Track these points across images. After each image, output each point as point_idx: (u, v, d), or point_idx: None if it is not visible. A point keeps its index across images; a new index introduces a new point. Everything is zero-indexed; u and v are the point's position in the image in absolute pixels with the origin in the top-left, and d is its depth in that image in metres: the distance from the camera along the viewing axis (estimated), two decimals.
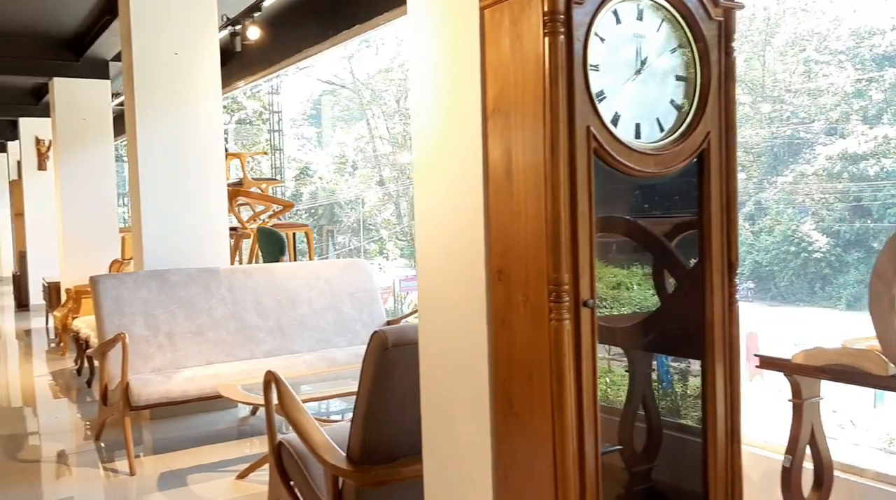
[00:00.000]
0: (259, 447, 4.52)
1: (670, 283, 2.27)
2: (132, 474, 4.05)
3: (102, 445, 4.65)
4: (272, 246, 6.14)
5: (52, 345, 8.43)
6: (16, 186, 12.62)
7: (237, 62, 7.14)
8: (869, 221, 19.83)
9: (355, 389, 3.89)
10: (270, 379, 2.92)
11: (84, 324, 6.37)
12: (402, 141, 28.71)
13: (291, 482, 2.87)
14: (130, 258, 7.53)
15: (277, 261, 6.01)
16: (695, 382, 2.27)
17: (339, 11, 5.65)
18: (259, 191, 6.92)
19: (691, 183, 2.01)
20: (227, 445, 4.62)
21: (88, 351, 4.66)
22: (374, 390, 2.32)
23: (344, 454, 2.48)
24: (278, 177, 13.91)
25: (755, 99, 21.43)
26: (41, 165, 11.20)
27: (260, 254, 6.47)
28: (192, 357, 4.72)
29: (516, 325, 1.81)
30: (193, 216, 5.30)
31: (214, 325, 4.89)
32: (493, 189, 1.87)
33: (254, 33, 6.19)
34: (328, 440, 2.55)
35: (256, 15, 6.19)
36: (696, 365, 2.28)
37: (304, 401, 3.17)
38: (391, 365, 2.30)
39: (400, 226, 28.69)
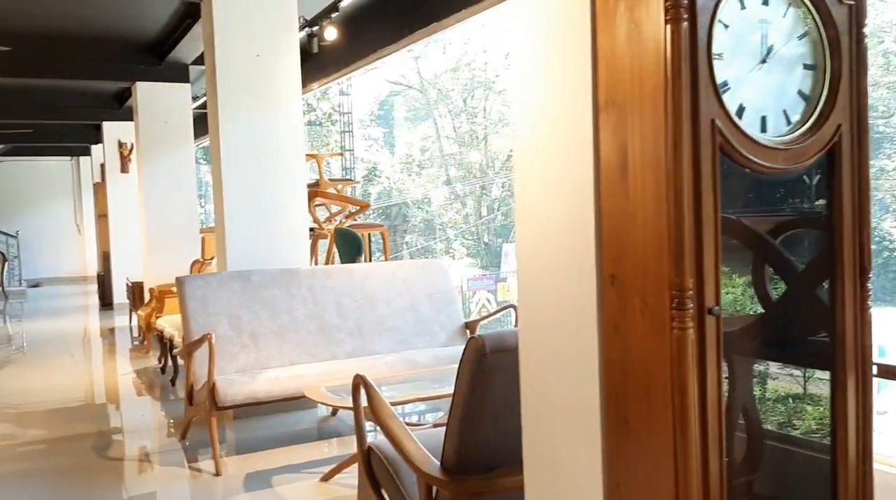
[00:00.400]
0: (340, 448, 4.51)
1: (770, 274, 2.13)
2: (217, 474, 4.08)
3: (187, 444, 4.70)
4: (349, 247, 6.14)
5: (136, 343, 8.64)
6: (100, 189, 13.03)
7: (312, 64, 7.17)
8: None
9: (440, 392, 3.84)
10: (359, 383, 2.87)
11: (168, 323, 6.49)
12: (469, 140, 28.69)
13: (382, 489, 2.82)
14: (211, 258, 7.66)
15: (354, 262, 6.01)
16: (773, 385, 2.14)
17: (417, 9, 5.60)
18: (335, 191, 6.94)
19: (799, 179, 1.88)
20: (309, 445, 4.62)
21: (174, 351, 4.72)
22: (470, 397, 2.23)
23: (438, 463, 2.40)
24: (350, 177, 13.99)
25: None
26: (124, 168, 11.52)
27: (337, 254, 6.48)
28: (275, 357, 4.74)
29: (632, 333, 1.70)
30: (275, 217, 5.33)
31: (296, 325, 4.89)
32: (606, 188, 1.76)
33: (331, 34, 6.20)
34: (421, 447, 2.48)
35: (334, 15, 6.19)
36: (773, 367, 2.15)
37: (393, 404, 3.11)
38: (489, 372, 2.21)
39: (466, 225, 28.67)
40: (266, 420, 5.18)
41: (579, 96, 1.81)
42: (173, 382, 6.31)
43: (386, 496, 2.78)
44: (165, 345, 6.64)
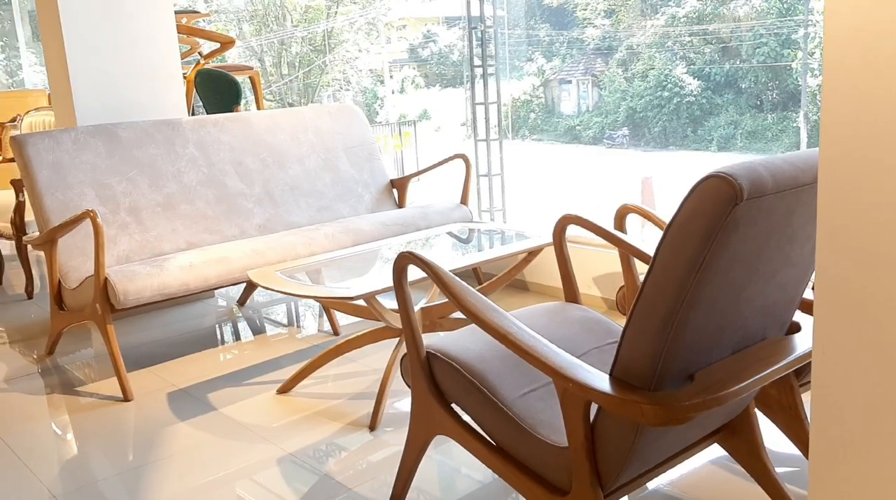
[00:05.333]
0: (276, 346, 3.55)
1: None
2: (127, 398, 3.00)
3: (59, 362, 3.51)
4: (222, 94, 4.87)
5: None
6: None
7: None
8: (738, 62, 20.22)
9: (516, 247, 2.98)
10: (407, 263, 1.94)
11: None
12: None
13: (454, 404, 1.98)
14: (13, 120, 6.04)
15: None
16: None
17: None
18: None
19: None
20: (229, 348, 3.61)
21: (27, 238, 3.42)
22: (696, 270, 1.41)
23: (605, 375, 1.59)
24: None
25: None
26: None
27: (201, 105, 5.18)
28: (167, 238, 3.59)
29: None
30: (136, 52, 3.98)
31: (188, 195, 3.73)
32: None
33: None
34: (556, 349, 1.65)
35: None
36: None
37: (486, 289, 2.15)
38: (734, 229, 1.39)
39: (266, 86, 26.83)
40: (150, 320, 4.06)
41: None
42: None
43: (465, 414, 1.95)
44: None
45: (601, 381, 1.57)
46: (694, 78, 20.36)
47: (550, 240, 3.14)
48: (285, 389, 2.99)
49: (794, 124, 18.49)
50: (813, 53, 18.20)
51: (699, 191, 1.39)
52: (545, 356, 1.63)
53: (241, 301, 4.20)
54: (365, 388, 2.98)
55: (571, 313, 2.27)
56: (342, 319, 3.79)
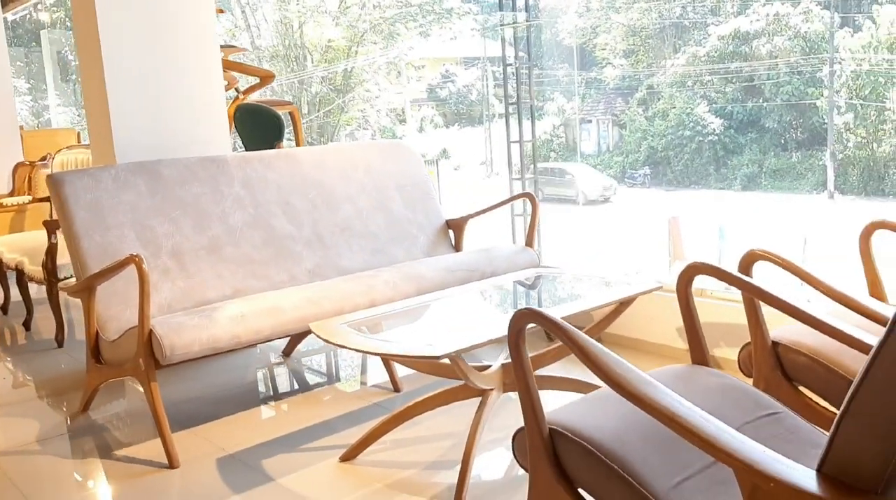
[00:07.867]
0: (331, 404, 3.21)
1: None
2: (173, 465, 2.67)
3: (95, 419, 3.19)
4: (263, 130, 4.61)
5: None
6: None
7: None
8: (761, 101, 20.12)
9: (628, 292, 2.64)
10: (527, 323, 1.62)
11: (5, 246, 4.69)
12: (284, 29, 26.57)
13: (580, 489, 1.65)
14: (43, 158, 5.82)
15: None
16: None
17: None
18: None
19: None
20: (280, 406, 3.28)
21: (63, 285, 3.13)
22: None
23: (811, 471, 1.26)
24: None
25: None
26: None
27: (240, 141, 4.92)
28: (212, 285, 3.28)
29: None
30: (179, 85, 3.72)
31: (233, 236, 3.44)
32: None
33: None
34: (748, 441, 1.31)
35: None
36: None
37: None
38: None
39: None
40: (190, 372, 3.74)
41: None
42: (28, 325, 4.58)
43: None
44: (4, 275, 4.86)
45: (809, 480, 1.24)
46: (716, 117, 20.21)
47: (642, 287, 2.82)
48: (349, 456, 2.65)
49: (821, 162, 18.26)
50: (839, 91, 17.97)
51: None
52: (731, 447, 1.29)
53: (287, 352, 3.89)
54: (440, 455, 2.64)
55: (706, 379, 1.93)
56: (399, 370, 3.46)
